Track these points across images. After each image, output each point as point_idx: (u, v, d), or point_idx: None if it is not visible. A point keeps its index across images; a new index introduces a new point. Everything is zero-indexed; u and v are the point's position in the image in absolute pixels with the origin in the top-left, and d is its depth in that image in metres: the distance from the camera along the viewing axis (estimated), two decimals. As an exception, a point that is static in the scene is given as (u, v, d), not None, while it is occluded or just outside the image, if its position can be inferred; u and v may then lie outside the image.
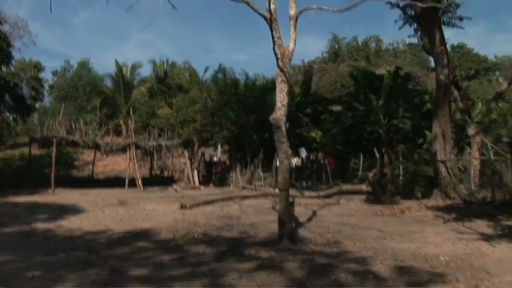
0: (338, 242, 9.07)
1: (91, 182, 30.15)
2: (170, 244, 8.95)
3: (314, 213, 14.22)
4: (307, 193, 19.55)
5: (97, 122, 51.54)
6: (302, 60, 64.58)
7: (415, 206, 15.57)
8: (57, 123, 46.46)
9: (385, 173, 18.80)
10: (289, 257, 7.64)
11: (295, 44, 9.10)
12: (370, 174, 18.19)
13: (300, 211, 14.50)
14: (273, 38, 8.85)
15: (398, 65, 30.52)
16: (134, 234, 10.14)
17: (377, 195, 17.78)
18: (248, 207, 16.09)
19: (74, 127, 47.37)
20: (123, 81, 50.75)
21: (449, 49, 23.08)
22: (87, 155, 39.99)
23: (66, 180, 29.06)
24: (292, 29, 9.06)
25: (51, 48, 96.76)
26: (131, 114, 30.39)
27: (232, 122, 26.43)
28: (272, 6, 8.70)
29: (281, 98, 8.92)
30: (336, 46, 70.42)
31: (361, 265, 7.11)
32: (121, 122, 50.59)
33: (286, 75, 8.94)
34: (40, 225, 11.39)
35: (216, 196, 19.18)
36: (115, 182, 30.66)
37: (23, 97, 32.16)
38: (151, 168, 34.10)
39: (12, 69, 38.38)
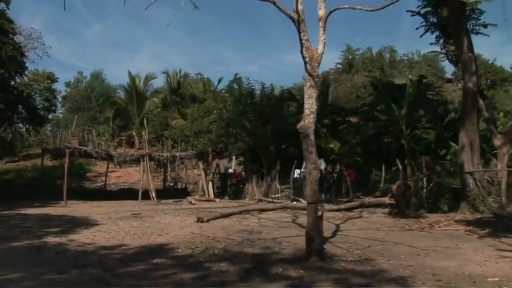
0: (370, 259, 8.43)
1: (104, 194, 29.75)
2: (189, 260, 8.37)
3: (337, 227, 13.55)
4: (327, 206, 18.89)
5: (110, 133, 51.58)
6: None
7: (442, 219, 14.85)
8: (69, 134, 46.49)
9: (409, 185, 18.08)
10: (321, 276, 7.03)
11: (324, 47, 8.56)
12: (394, 187, 17.52)
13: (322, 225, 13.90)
14: (300, 40, 8.34)
15: (411, 76, 29.94)
16: (150, 250, 9.59)
17: (401, 208, 17.10)
18: (267, 220, 15.49)
19: (86, 138, 47.37)
20: (136, 92, 50.62)
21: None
22: (100, 167, 39.76)
23: (78, 192, 28.73)
24: (321, 30, 8.54)
25: (64, 60, 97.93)
26: (145, 125, 30.00)
27: (248, 132, 25.92)
28: (300, 6, 8.20)
29: (309, 104, 8.38)
30: (350, 57, 70.11)
31: (402, 287, 6.48)
32: (134, 133, 50.58)
33: (315, 80, 8.38)
34: (51, 239, 10.88)
35: (232, 209, 18.59)
36: (128, 193, 30.29)
37: (36, 108, 31.96)
38: (164, 180, 33.63)
39: (26, 79, 38.39)
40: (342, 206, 18.55)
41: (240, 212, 17.30)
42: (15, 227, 13.62)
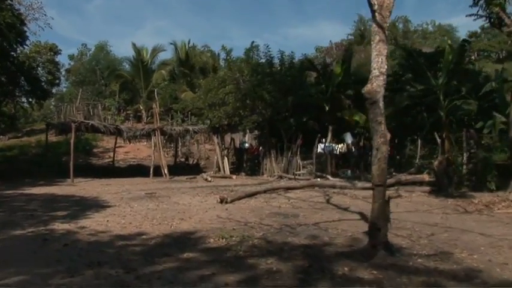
0: (447, 253, 6.99)
1: (112, 171, 28.44)
2: (227, 255, 6.94)
3: (381, 209, 12.10)
4: (358, 183, 17.40)
5: (116, 107, 50.11)
6: (330, 41, 62.31)
7: (495, 200, 13.32)
8: (74, 108, 45.08)
9: (451, 161, 16.53)
10: (402, 278, 5.60)
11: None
12: (435, 163, 16.01)
13: (362, 205, 12.51)
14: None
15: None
16: (176, 239, 8.19)
17: (443, 187, 15.64)
18: (298, 200, 14.07)
19: (92, 112, 45.97)
20: (142, 64, 48.92)
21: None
22: (107, 142, 38.43)
23: (85, 169, 27.39)
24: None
25: (65, 35, 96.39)
26: (156, 97, 28.36)
27: (267, 104, 24.32)
28: None
29: (379, 63, 6.77)
30: (362, 28, 67.92)
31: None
32: (141, 107, 49.13)
33: (386, 32, 6.78)
34: (59, 226, 9.49)
35: (256, 187, 17.18)
36: (137, 170, 29.01)
37: (38, 79, 30.45)
38: (175, 156, 32.19)
39: (27, 51, 36.82)
40: (376, 184, 17.04)
41: (265, 191, 15.89)
42: (18, 209, 12.26)
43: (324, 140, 23.95)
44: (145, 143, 36.38)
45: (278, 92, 24.02)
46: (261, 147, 27.18)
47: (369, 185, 17.00)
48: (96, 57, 57.74)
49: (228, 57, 28.02)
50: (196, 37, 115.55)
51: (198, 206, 12.79)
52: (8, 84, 27.18)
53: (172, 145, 34.08)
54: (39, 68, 41.69)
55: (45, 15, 31.30)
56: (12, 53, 26.39)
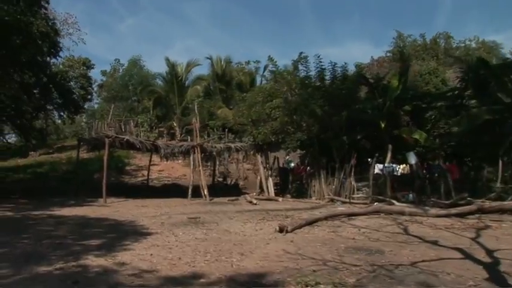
0: None
1: (146, 190, 26.91)
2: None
3: (474, 241, 10.08)
4: (432, 210, 15.24)
5: (148, 124, 48.96)
6: (371, 56, 60.37)
7: None
8: (106, 125, 44.02)
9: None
10: None
11: None
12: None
13: (451, 238, 10.51)
14: None
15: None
16: (244, 285, 6.35)
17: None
18: (370, 230, 12.04)
19: (123, 129, 44.85)
20: (176, 79, 47.82)
21: None
22: (139, 159, 37.22)
23: (117, 188, 25.93)
24: None
25: (97, 54, 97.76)
26: (196, 110, 26.58)
27: (318, 120, 22.42)
28: None
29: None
30: (402, 44, 65.77)
31: None
32: (175, 124, 47.84)
33: None
34: (93, 261, 7.77)
35: (311, 212, 15.29)
36: (173, 190, 27.47)
37: (71, 92, 29.36)
38: (214, 175, 30.50)
39: (60, 65, 36.16)
40: (452, 211, 14.83)
41: (325, 218, 13.92)
42: (45, 236, 10.67)
43: (379, 159, 21.87)
44: (179, 161, 34.94)
45: (331, 107, 22.13)
46: (308, 167, 25.22)
47: (444, 212, 14.94)
48: (129, 72, 57.08)
49: (275, 69, 26.11)
50: (224, 56, 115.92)
51: (255, 236, 10.94)
52: (40, 98, 26.12)
53: (209, 164, 32.42)
54: (71, 83, 41.00)
55: (79, 30, 30.56)
56: (45, 64, 25.38)
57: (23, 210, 17.33)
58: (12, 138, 51.25)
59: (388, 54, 65.21)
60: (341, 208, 16.91)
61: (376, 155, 21.47)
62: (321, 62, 23.68)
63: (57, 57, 27.48)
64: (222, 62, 50.90)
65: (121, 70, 61.61)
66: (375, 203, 18.74)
